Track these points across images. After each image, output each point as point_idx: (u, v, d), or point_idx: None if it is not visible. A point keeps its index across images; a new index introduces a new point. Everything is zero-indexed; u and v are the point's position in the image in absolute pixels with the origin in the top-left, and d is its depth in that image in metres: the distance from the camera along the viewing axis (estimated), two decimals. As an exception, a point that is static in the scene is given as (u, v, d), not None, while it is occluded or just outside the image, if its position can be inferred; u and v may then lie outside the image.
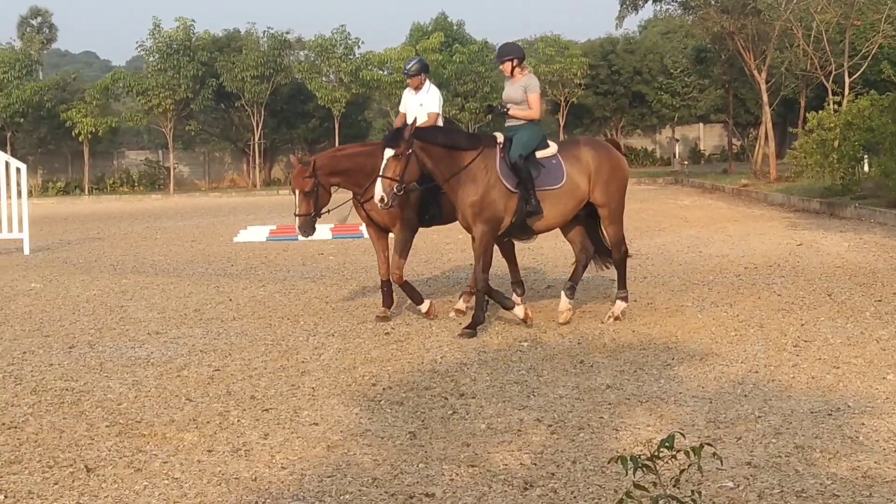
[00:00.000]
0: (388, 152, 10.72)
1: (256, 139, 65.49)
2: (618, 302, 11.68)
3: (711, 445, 4.86)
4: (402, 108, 13.21)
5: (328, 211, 12.02)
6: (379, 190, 10.64)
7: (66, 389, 8.89)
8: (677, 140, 62.58)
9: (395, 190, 10.64)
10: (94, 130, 64.31)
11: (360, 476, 6.40)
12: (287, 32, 65.56)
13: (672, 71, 61.67)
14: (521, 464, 6.59)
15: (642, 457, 4.36)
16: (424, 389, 8.57)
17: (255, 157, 66.92)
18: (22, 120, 64.95)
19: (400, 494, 6.06)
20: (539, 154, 11.34)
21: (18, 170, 23.07)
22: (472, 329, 10.95)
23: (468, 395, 8.34)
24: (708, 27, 40.88)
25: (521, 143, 11.20)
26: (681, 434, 5.31)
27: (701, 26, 42.16)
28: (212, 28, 73.09)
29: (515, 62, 11.69)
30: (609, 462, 4.91)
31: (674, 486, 4.48)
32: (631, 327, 11.09)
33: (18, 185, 22.97)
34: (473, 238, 11.19)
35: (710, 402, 7.97)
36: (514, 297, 12.15)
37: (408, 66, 13.11)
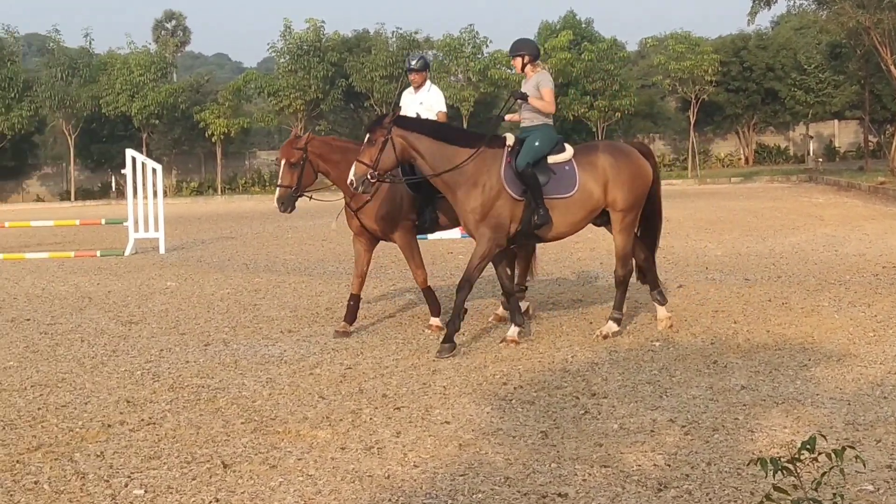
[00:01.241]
0: (366, 137, 10.42)
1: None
2: (609, 322, 10.93)
3: (853, 448, 4.75)
4: (405, 111, 12.36)
5: (310, 197, 11.74)
6: (351, 173, 10.27)
7: (203, 386, 9.04)
8: (811, 137, 61.34)
9: (367, 176, 10.18)
10: (226, 131, 65.38)
11: (492, 475, 6.38)
12: (415, 32, 65.91)
13: (806, 67, 60.53)
14: (654, 465, 6.52)
15: (782, 459, 4.28)
16: (556, 389, 8.53)
17: (383, 156, 67.11)
18: (157, 121, 66.31)
19: (532, 494, 6.04)
20: (552, 159, 10.75)
21: (154, 171, 23.52)
22: (449, 342, 10.23)
23: (600, 395, 8.28)
24: (843, 22, 40.07)
25: (531, 150, 10.61)
26: (821, 436, 5.20)
27: (835, 21, 41.33)
28: (341, 29, 73.23)
29: (527, 59, 11.21)
30: (748, 464, 4.83)
31: (815, 489, 4.37)
32: (766, 327, 10.90)
33: (154, 185, 23.42)
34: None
35: (848, 405, 7.80)
36: (499, 310, 12.04)
37: (412, 62, 12.71)
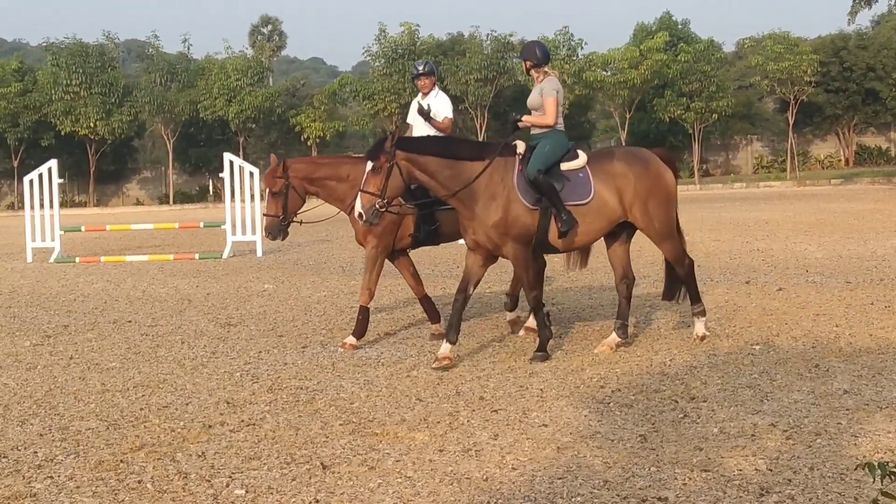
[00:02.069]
0: (368, 165, 9.93)
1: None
2: (696, 321, 10.76)
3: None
4: (410, 120, 12.31)
5: (300, 221, 11.43)
6: (358, 205, 9.87)
7: (301, 388, 9.10)
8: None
9: (376, 206, 9.75)
10: (321, 135, 65.95)
11: (591, 478, 6.35)
12: (510, 35, 65.99)
13: (907, 66, 59.60)
14: (755, 469, 6.44)
15: (890, 464, 4.20)
16: (654, 392, 8.46)
17: (478, 159, 67.16)
18: (253, 125, 67.06)
19: (632, 498, 5.99)
20: (565, 166, 10.31)
21: (251, 174, 23.77)
22: (543, 351, 10.13)
23: (699, 399, 8.19)
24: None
25: (541, 157, 10.19)
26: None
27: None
28: (436, 32, 73.72)
29: (528, 65, 10.81)
30: (854, 469, 4.74)
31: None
32: (868, 331, 10.72)
33: (251, 188, 23.66)
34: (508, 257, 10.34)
35: (955, 410, 7.65)
36: (508, 315, 11.93)
37: (418, 67, 12.22)
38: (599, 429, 7.46)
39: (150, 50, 72.47)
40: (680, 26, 66.55)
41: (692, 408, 7.94)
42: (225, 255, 22.77)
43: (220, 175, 24.12)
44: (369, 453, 7.04)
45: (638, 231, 10.68)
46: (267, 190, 11.34)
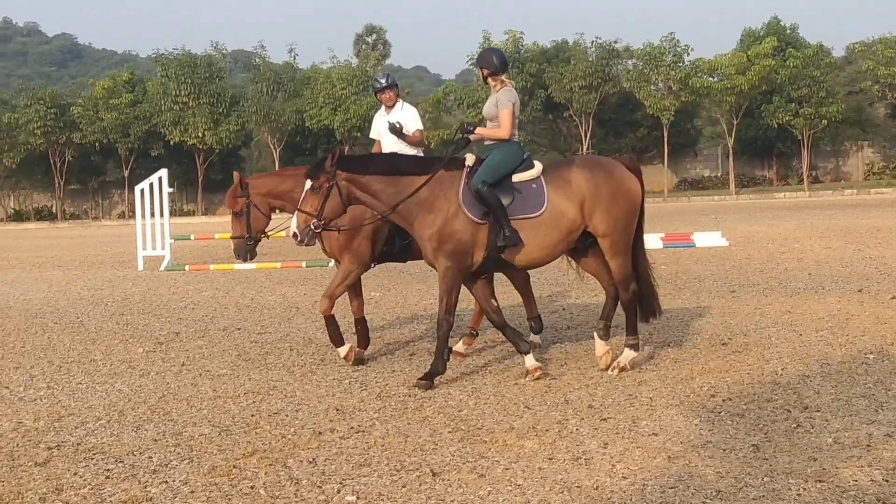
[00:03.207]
0: (308, 184, 9.64)
1: (585, 149, 65.80)
2: (626, 350, 10.06)
3: None
4: (373, 135, 12.01)
5: (267, 236, 11.00)
6: (293, 224, 9.62)
7: (409, 395, 9.13)
8: None
9: (311, 226, 9.50)
10: (426, 143, 66.00)
11: (703, 488, 6.28)
12: (615, 42, 65.74)
13: None
14: (871, 480, 6.32)
15: None
16: (766, 402, 8.34)
17: (583, 166, 67.09)
18: (358, 134, 67.50)
19: (745, 509, 5.92)
20: (517, 177, 9.87)
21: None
22: (428, 380, 9.55)
23: (812, 409, 8.06)
24: None
25: (488, 168, 9.78)
26: None
27: None
28: (540, 40, 73.63)
29: (485, 73, 10.37)
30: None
31: None
32: None
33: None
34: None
35: None
36: (532, 337, 11.28)
37: (379, 80, 11.75)
38: (711, 438, 7.38)
39: (257, 60, 73.52)
40: (788, 31, 65.78)
41: (805, 417, 7.82)
42: (332, 264, 22.87)
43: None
44: (479, 461, 7.03)
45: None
46: (230, 211, 10.93)
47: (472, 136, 10.26)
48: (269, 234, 11.06)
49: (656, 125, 64.81)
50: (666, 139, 63.64)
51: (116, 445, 7.77)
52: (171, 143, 70.75)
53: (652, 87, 63.20)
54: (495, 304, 10.28)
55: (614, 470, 6.72)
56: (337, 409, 8.68)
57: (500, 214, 9.57)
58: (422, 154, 11.34)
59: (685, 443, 7.30)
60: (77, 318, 15.38)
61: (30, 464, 7.36)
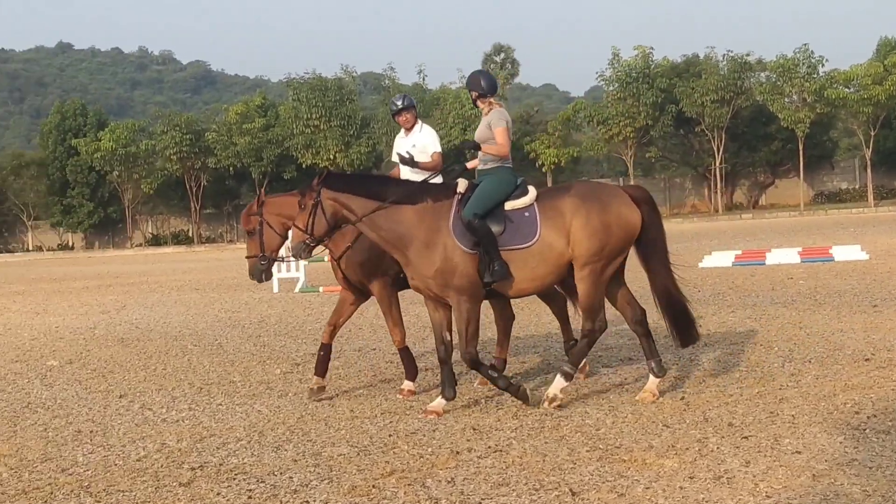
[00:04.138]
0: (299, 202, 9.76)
1: (717, 163, 65.04)
2: (557, 378, 9.56)
3: None
4: (394, 158, 11.54)
5: (281, 258, 10.71)
6: (289, 240, 9.78)
7: (546, 414, 9.08)
8: None
9: (305, 242, 9.53)
10: (556, 161, 66.10)
11: (849, 508, 6.14)
12: (747, 55, 64.91)
13: None
14: None
15: None
16: (913, 419, 8.14)
17: (716, 181, 66.41)
18: (489, 153, 67.46)
19: (895, 529, 5.77)
20: (510, 204, 9.59)
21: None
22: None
23: (962, 426, 7.84)
24: None
25: (480, 198, 9.52)
26: None
27: None
28: (670, 55, 73.11)
29: (474, 95, 10.19)
30: None
31: None
32: None
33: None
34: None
35: None
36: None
37: (396, 102, 11.42)
38: (856, 456, 7.21)
39: (387, 81, 74.17)
40: (927, 39, 64.35)
41: (955, 435, 7.60)
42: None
43: (458, 203, 24.31)
44: (618, 480, 6.96)
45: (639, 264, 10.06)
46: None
47: (468, 165, 10.35)
48: (285, 257, 10.79)
49: (791, 138, 63.84)
50: (801, 152, 62.64)
51: (257, 466, 7.87)
52: (304, 165, 71.73)
53: (786, 99, 62.26)
54: (449, 337, 9.89)
55: (757, 489, 6.60)
56: (474, 429, 8.68)
57: (490, 248, 9.32)
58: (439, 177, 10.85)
59: (829, 461, 7.14)
60: (216, 340, 15.64)
61: (174, 484, 7.49)
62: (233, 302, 22.24)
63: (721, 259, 24.17)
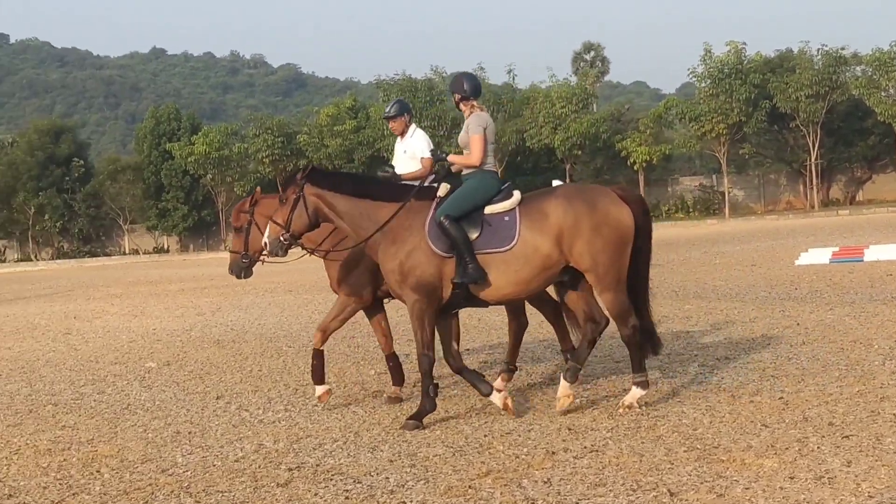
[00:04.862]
0: (280, 196, 9.72)
1: (812, 159, 64.16)
2: (633, 388, 9.40)
3: None
4: (394, 162, 11.32)
5: (262, 261, 10.58)
6: (265, 234, 9.70)
7: (642, 414, 9.02)
8: None
9: (280, 238, 9.52)
10: (648, 158, 65.67)
11: (956, 509, 6.02)
12: (842, 49, 63.92)
13: None
14: None
15: None
16: None
17: (811, 177, 65.54)
18: (579, 152, 67.45)
19: None
20: (490, 209, 9.40)
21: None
22: (416, 420, 9.26)
23: None
24: None
25: (455, 200, 9.38)
26: None
27: None
28: (763, 50, 72.32)
29: (457, 97, 9.98)
30: None
31: None
32: None
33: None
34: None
35: None
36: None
37: (386, 109, 11.44)
38: (962, 456, 7.07)
39: (477, 82, 74.07)
40: None
41: None
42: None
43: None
44: (717, 480, 6.89)
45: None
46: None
47: (449, 159, 10.01)
48: (264, 258, 10.59)
49: (888, 132, 62.79)
50: (900, 146, 61.73)
51: (354, 466, 7.91)
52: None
53: (882, 93, 61.21)
54: (455, 347, 9.85)
55: (859, 489, 6.50)
56: (569, 429, 8.64)
57: (463, 249, 9.19)
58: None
59: (934, 461, 7.01)
60: (310, 341, 15.71)
61: (272, 485, 7.56)
62: (326, 303, 22.32)
63: (818, 256, 23.83)
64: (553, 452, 7.90)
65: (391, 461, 7.99)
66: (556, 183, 23.93)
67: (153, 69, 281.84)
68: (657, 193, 70.94)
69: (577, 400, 9.64)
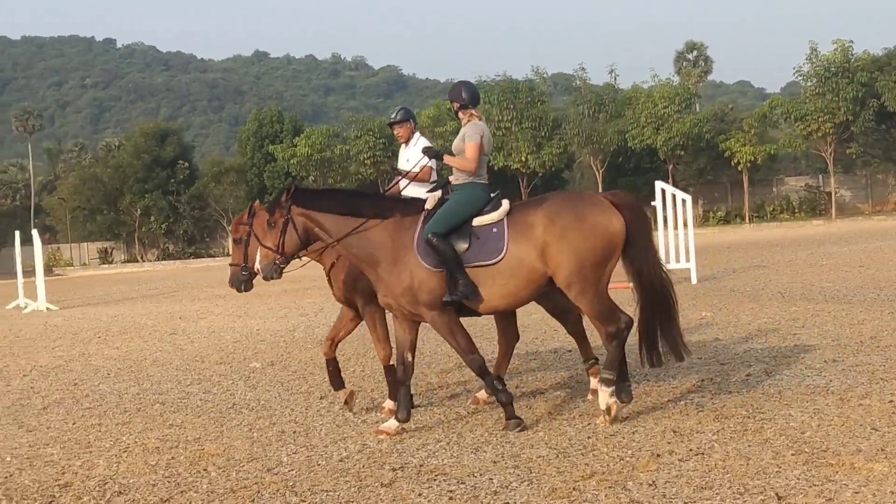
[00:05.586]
0: (266, 219, 9.56)
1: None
2: (600, 389, 9.13)
3: None
4: (400, 166, 11.28)
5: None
6: (257, 260, 9.55)
7: (748, 417, 8.89)
8: None
9: (275, 261, 9.42)
10: (752, 159, 64.98)
11: None
12: (952, 45, 62.55)
13: None
14: None
15: None
16: None
17: (920, 177, 64.39)
18: (682, 152, 66.92)
19: None
20: (479, 220, 9.29)
21: (683, 201, 23.70)
22: (514, 418, 9.17)
23: None
24: None
25: (442, 216, 9.29)
26: None
27: None
28: (871, 48, 71.15)
29: (455, 106, 9.89)
30: None
31: None
32: None
33: (684, 215, 23.57)
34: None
35: None
36: (592, 382, 10.27)
37: (392, 115, 11.25)
38: None
39: (578, 82, 73.94)
40: None
41: None
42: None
43: (652, 203, 24.19)
44: (825, 484, 6.78)
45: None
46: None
47: (445, 160, 9.90)
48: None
49: None
50: None
51: (457, 467, 7.91)
52: (495, 167, 72.02)
53: None
54: (410, 358, 9.66)
55: (973, 496, 6.35)
56: (674, 431, 8.56)
57: (452, 266, 9.13)
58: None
59: None
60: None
61: (376, 484, 7.58)
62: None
63: (927, 257, 23.41)
64: (658, 455, 7.83)
65: (494, 462, 7.97)
66: (658, 186, 23.88)
67: (256, 72, 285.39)
68: (761, 194, 70.18)
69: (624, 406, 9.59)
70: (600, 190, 70.20)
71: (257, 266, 9.64)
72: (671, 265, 23.33)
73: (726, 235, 50.52)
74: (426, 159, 10.58)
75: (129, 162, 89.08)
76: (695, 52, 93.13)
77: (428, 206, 9.59)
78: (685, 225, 23.46)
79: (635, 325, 9.46)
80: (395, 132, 11.32)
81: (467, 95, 9.90)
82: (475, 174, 9.64)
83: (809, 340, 12.82)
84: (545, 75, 77.38)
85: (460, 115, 9.95)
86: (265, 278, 9.61)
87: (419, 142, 11.08)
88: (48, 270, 55.90)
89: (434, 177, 10.94)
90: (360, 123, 79.04)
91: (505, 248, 9.14)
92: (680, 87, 71.70)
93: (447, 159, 9.83)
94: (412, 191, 10.41)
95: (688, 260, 23.30)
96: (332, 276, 10.62)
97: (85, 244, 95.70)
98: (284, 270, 9.66)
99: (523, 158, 70.38)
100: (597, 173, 71.09)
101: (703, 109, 73.85)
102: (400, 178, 10.64)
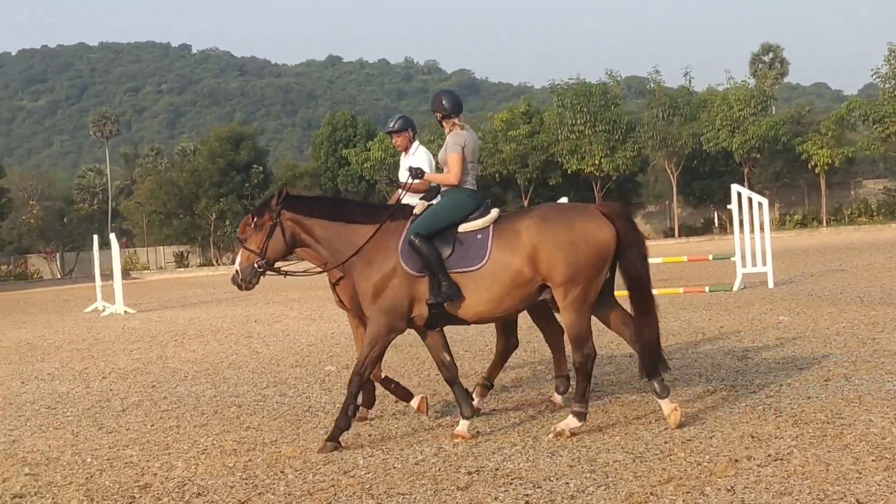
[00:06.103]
0: (252, 221, 9.50)
1: None
2: (569, 417, 9.09)
3: None
4: (401, 177, 10.87)
5: (284, 274, 10.12)
6: (236, 262, 9.48)
7: (828, 422, 8.79)
8: None
9: (254, 265, 9.38)
10: (829, 161, 64.33)
11: None
12: None
13: None
14: None
15: None
16: None
17: None
18: (758, 155, 66.45)
19: None
20: (464, 227, 9.23)
21: (760, 204, 23.51)
22: (333, 441, 9.18)
23: None
24: None
25: (426, 219, 9.25)
26: None
27: None
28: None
29: (438, 116, 9.80)
30: None
31: None
32: None
33: (760, 219, 23.38)
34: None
35: None
36: (555, 397, 10.33)
37: (390, 124, 11.01)
38: None
39: (652, 85, 73.61)
40: None
41: None
42: (735, 287, 22.59)
43: (728, 206, 24.04)
44: (907, 492, 6.69)
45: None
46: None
47: (421, 180, 9.78)
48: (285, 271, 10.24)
49: None
50: None
51: (533, 471, 7.89)
52: (569, 171, 71.91)
53: None
54: (448, 357, 9.68)
55: None
56: (752, 436, 8.47)
57: (435, 268, 9.07)
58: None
59: None
60: (486, 345, 15.77)
61: (452, 488, 7.58)
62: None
63: None
64: (736, 460, 7.75)
65: (570, 466, 7.94)
66: (734, 189, 23.70)
67: (329, 76, 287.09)
68: (839, 197, 69.44)
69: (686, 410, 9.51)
70: (675, 194, 69.93)
71: (235, 268, 9.65)
72: (747, 269, 23.20)
73: (803, 239, 50.05)
74: (426, 169, 10.46)
75: (204, 166, 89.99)
76: (770, 54, 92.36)
77: (416, 211, 9.57)
78: (762, 228, 23.28)
79: (632, 337, 9.55)
80: (394, 141, 11.17)
81: (448, 105, 9.87)
82: (460, 185, 9.62)
83: (889, 345, 12.65)
84: (619, 78, 77.10)
85: (444, 124, 9.91)
86: (243, 281, 9.59)
87: (417, 151, 10.98)
88: (125, 274, 56.62)
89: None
90: (433, 127, 79.18)
91: (488, 254, 9.11)
92: (756, 89, 71.11)
93: (429, 177, 9.81)
94: (409, 201, 10.31)
95: (764, 263, 23.13)
96: (340, 289, 10.58)
97: (161, 248, 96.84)
98: (263, 276, 9.71)
99: (597, 162, 70.16)
100: (671, 176, 70.71)
101: (779, 112, 73.27)
102: (401, 192, 10.48)
